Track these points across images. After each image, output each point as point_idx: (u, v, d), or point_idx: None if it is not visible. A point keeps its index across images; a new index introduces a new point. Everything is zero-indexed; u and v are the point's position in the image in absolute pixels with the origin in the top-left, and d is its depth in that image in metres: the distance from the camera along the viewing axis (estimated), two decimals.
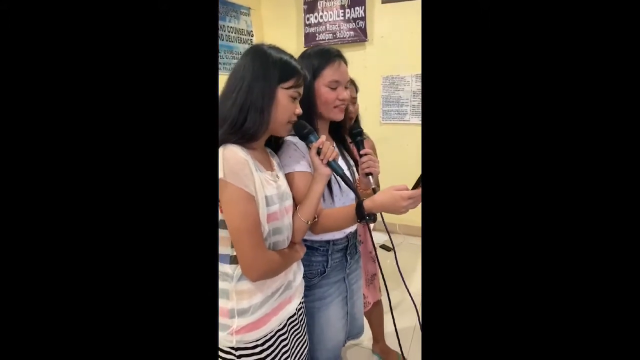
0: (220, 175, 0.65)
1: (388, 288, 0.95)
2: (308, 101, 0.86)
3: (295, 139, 0.86)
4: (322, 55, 0.87)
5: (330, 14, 2.75)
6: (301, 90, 0.77)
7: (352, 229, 0.99)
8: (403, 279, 0.95)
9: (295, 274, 0.86)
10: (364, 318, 1.22)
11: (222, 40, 2.57)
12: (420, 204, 0.65)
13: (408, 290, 0.93)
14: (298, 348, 0.87)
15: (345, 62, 0.90)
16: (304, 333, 0.91)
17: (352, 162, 0.99)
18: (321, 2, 2.76)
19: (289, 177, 0.85)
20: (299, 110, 0.77)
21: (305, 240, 0.92)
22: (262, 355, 0.76)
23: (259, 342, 0.75)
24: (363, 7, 2.62)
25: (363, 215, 0.80)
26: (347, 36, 2.73)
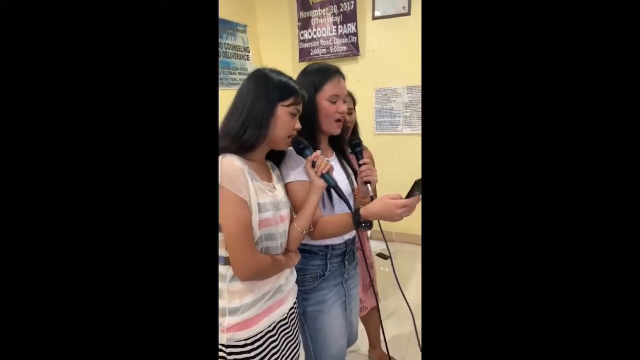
0: None
1: (386, 295, 0.96)
2: (310, 115, 0.92)
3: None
4: (323, 72, 0.93)
5: (324, 30, 2.84)
6: (300, 107, 0.83)
7: (350, 235, 1.03)
8: (400, 287, 0.98)
9: (288, 279, 0.89)
10: (361, 324, 1.23)
11: (220, 57, 2.64)
12: (418, 211, 0.69)
13: (405, 297, 0.95)
14: (288, 351, 0.90)
15: (344, 78, 0.96)
16: (295, 337, 0.94)
17: (350, 172, 1.03)
18: (315, 18, 2.85)
19: (288, 186, 0.90)
20: (298, 125, 0.83)
21: (304, 245, 0.95)
22: (251, 355, 0.79)
23: (249, 342, 0.78)
24: (355, 23, 2.71)
25: (359, 222, 0.85)
26: (340, 51, 2.82)
